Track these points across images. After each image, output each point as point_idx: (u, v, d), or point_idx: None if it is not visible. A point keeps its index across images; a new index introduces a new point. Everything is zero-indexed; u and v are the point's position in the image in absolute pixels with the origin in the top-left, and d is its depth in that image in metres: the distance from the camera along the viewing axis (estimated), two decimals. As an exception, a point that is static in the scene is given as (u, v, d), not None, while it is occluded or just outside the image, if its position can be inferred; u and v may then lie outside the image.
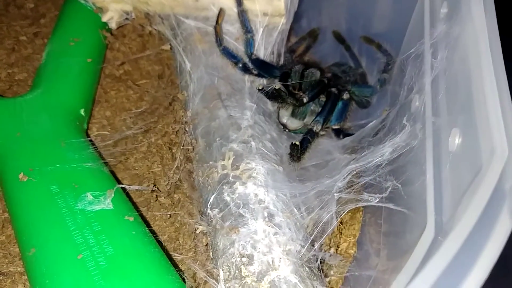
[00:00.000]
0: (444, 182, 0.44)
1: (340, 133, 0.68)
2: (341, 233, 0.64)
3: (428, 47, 0.55)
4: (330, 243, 0.61)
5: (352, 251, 0.65)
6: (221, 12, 0.71)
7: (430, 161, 0.47)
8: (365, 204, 0.51)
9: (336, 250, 0.62)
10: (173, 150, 0.72)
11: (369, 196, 0.50)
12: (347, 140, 0.66)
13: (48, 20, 0.91)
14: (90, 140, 0.68)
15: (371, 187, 0.53)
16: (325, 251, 0.57)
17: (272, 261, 0.50)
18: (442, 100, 0.49)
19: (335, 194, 0.52)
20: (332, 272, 0.62)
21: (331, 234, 0.60)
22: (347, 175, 0.53)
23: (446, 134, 0.45)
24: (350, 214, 0.67)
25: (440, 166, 0.45)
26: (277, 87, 0.62)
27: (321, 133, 0.66)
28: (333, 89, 0.68)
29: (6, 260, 0.60)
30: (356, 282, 0.60)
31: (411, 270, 0.41)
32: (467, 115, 0.42)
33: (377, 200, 0.50)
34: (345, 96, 0.68)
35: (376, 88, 0.70)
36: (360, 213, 0.68)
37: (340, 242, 0.64)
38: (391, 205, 0.48)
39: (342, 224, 0.64)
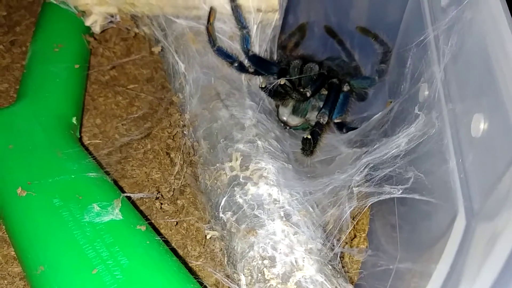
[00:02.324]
0: (470, 168, 0.43)
1: (343, 127, 0.67)
2: (353, 228, 0.63)
3: (434, 35, 0.55)
4: (346, 239, 0.60)
5: (363, 246, 0.64)
6: (212, 11, 0.69)
7: (451, 149, 0.46)
8: (388, 196, 0.50)
9: (350, 246, 0.61)
10: (171, 155, 0.70)
11: (391, 188, 0.49)
12: (352, 134, 0.65)
13: (24, 28, 0.87)
14: (86, 149, 0.65)
15: (392, 179, 0.52)
16: (343, 247, 0.55)
17: (296, 261, 0.49)
18: (457, 86, 0.49)
19: (354, 189, 0.51)
20: (346, 269, 0.61)
21: (346, 230, 0.58)
22: (364, 168, 0.52)
23: (467, 120, 0.44)
24: (358, 209, 0.66)
25: (464, 153, 0.44)
26: (282, 83, 0.61)
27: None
28: (334, 80, 0.67)
29: (5, 281, 0.57)
30: (371, 277, 0.59)
31: (449, 259, 0.41)
32: (491, 98, 0.42)
33: (400, 191, 0.48)
34: (346, 88, 0.68)
35: (375, 80, 0.70)
36: (368, 207, 0.67)
37: (352, 237, 0.63)
38: (416, 196, 0.47)
39: (352, 220, 0.63)
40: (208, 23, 0.68)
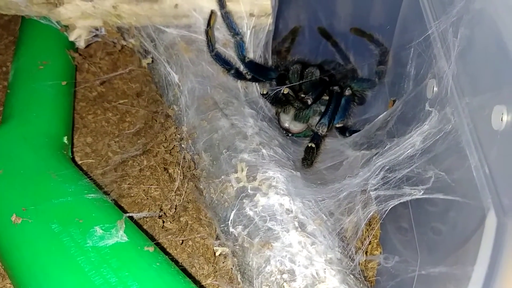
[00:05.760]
0: (494, 163, 0.41)
1: (345, 130, 0.65)
2: (367, 234, 0.60)
3: (439, 30, 0.53)
4: (362, 246, 0.57)
5: (377, 252, 0.62)
6: (212, 15, 0.65)
7: (471, 144, 0.44)
8: (409, 198, 0.47)
9: (366, 252, 0.59)
10: (170, 171, 0.66)
11: (411, 189, 0.47)
12: (356, 136, 0.63)
13: (2, 47, 0.84)
14: (80, 169, 0.61)
15: (411, 179, 0.50)
16: (360, 254, 0.53)
17: (317, 273, 0.46)
18: (469, 79, 0.47)
19: (371, 193, 0.49)
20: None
21: (361, 236, 0.56)
22: (380, 171, 0.50)
23: (487, 113, 0.42)
24: (373, 214, 0.64)
25: (486, 147, 0.43)
26: (285, 92, 0.59)
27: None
28: (335, 87, 0.65)
29: (2, 318, 0.53)
30: (388, 282, 0.57)
31: (485, 259, 0.39)
32: (513, 89, 0.40)
33: (422, 192, 0.46)
34: (347, 92, 0.65)
35: (375, 81, 0.68)
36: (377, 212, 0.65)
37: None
38: (440, 195, 0.45)
39: (368, 225, 0.61)
40: (208, 26, 0.65)
